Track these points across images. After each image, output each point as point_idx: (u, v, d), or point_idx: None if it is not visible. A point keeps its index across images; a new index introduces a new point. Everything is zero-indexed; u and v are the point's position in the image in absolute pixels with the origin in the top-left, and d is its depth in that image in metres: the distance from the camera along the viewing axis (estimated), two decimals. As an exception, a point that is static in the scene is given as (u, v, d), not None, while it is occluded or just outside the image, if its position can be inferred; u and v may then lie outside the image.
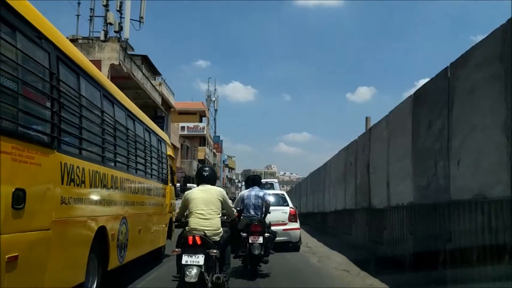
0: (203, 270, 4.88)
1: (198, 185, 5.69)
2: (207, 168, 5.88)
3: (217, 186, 5.87)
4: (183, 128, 49.60)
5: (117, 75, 20.21)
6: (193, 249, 4.94)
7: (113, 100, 6.30)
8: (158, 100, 28.33)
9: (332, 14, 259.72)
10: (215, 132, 68.98)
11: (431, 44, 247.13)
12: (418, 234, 7.17)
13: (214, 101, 71.42)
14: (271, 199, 11.15)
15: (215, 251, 5.05)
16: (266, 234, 7.61)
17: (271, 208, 9.15)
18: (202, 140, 55.00)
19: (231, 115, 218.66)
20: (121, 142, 6.61)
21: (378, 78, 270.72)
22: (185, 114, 52.80)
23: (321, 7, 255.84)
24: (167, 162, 10.35)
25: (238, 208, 7.52)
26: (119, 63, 20.12)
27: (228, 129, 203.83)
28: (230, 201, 5.79)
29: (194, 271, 4.83)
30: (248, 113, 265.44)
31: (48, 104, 4.06)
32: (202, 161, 50.15)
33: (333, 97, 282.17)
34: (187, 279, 4.81)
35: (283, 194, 13.19)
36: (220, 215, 5.43)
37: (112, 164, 6.10)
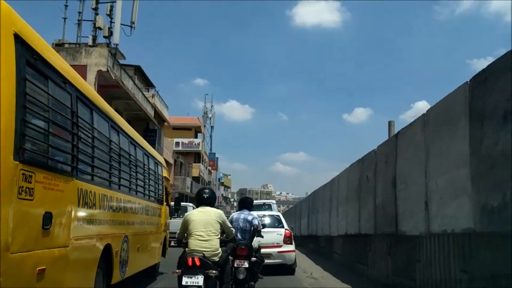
0: None
1: (197, 207, 5.98)
2: (207, 190, 6.06)
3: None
4: (177, 143, 48.44)
5: (105, 83, 19.06)
6: (192, 270, 5.17)
7: (118, 129, 6.98)
8: (151, 112, 27.27)
9: (330, 35, 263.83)
10: (210, 149, 67.85)
11: (428, 67, 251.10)
12: (476, 272, 5.29)
13: (210, 118, 70.07)
14: (266, 220, 11.74)
15: (214, 271, 5.27)
16: (253, 259, 7.47)
17: (265, 229, 9.30)
18: (197, 157, 53.84)
19: (228, 133, 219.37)
20: (124, 166, 7.26)
21: (374, 100, 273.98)
22: (180, 129, 51.67)
23: (318, 28, 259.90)
24: (162, 183, 10.98)
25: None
26: (107, 69, 18.76)
27: (224, 147, 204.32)
28: (228, 223, 6.13)
29: None
30: (245, 132, 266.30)
31: (70, 138, 4.74)
32: (196, 179, 49.20)
33: (330, 118, 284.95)
34: None
35: (278, 215, 12.88)
36: (219, 236, 5.65)
37: (117, 187, 6.74)
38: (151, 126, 28.34)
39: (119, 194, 6.74)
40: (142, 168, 8.63)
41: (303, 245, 20.95)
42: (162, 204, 10.83)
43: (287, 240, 11.37)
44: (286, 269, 11.38)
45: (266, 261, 9.61)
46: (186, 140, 51.44)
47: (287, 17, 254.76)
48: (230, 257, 6.94)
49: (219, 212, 5.88)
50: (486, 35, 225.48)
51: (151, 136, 26.57)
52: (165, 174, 11.57)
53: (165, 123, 34.75)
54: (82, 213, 5.00)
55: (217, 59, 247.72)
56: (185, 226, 5.72)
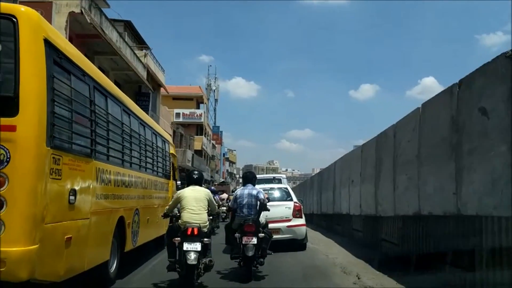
0: (200, 254, 6.04)
1: (188, 185, 6.80)
2: (196, 172, 7.04)
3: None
4: (177, 114, 44.83)
5: (82, 31, 16.13)
6: (191, 238, 6.00)
7: (129, 112, 7.64)
8: (143, 73, 23.66)
9: (336, 12, 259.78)
10: (215, 123, 63.49)
11: (436, 42, 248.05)
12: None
13: (214, 91, 65.49)
14: (274, 193, 11.30)
15: (207, 239, 6.25)
16: (261, 235, 7.18)
17: (273, 203, 9.24)
18: (199, 129, 49.70)
19: (233, 110, 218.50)
20: (135, 146, 7.95)
21: (381, 76, 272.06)
22: (180, 99, 48.25)
23: (325, 4, 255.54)
24: (170, 159, 11.70)
25: (232, 207, 7.70)
26: (81, 11, 15.06)
27: (230, 124, 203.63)
28: (213, 200, 6.97)
29: (193, 255, 5.89)
30: (250, 109, 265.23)
31: (89, 124, 5.41)
32: (198, 152, 45.85)
33: (336, 94, 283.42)
34: (189, 262, 5.87)
35: (286, 188, 12.25)
36: (207, 211, 6.53)
37: (129, 165, 7.44)
38: (144, 90, 25.24)
39: (131, 171, 7.45)
40: (150, 146, 9.32)
41: (323, 226, 19.11)
42: (170, 179, 11.56)
43: (296, 213, 10.84)
44: (297, 244, 10.84)
45: (275, 236, 9.18)
46: (187, 111, 47.27)
47: None
48: (237, 234, 7.12)
49: (207, 190, 6.91)
50: (494, 10, 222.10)
51: (144, 100, 24.07)
52: (172, 151, 12.27)
53: (162, 89, 31.06)
54: (99, 189, 5.70)
55: (223, 36, 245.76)
56: (177, 202, 6.60)
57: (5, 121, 3.91)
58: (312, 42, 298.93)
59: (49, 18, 12.88)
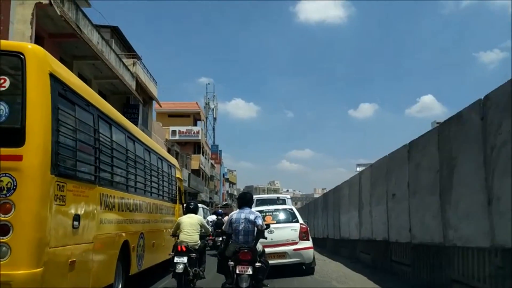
0: (186, 265, 7.76)
1: (186, 213, 8.69)
2: (192, 203, 8.94)
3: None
4: (174, 132, 42.97)
5: (56, 30, 14.06)
6: (181, 253, 7.81)
7: (134, 139, 7.91)
8: (131, 83, 21.37)
9: (334, 30, 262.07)
10: (214, 142, 61.04)
11: (434, 60, 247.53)
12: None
13: (213, 109, 62.84)
14: (278, 215, 10.68)
15: (193, 254, 7.96)
16: (257, 264, 6.53)
17: (278, 225, 9.17)
18: (196, 147, 47.03)
19: (233, 132, 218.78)
20: (140, 171, 8.20)
21: (380, 95, 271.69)
22: (176, 116, 45.92)
23: (323, 24, 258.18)
24: (176, 184, 11.93)
25: (227, 232, 7.10)
26: (50, 2, 12.59)
27: (229, 146, 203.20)
28: (205, 224, 8.70)
29: (181, 266, 7.69)
30: (250, 130, 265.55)
31: (93, 152, 5.67)
32: (196, 172, 43.22)
33: (336, 114, 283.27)
34: (176, 271, 7.70)
35: (291, 209, 11.49)
36: (199, 233, 8.26)
37: (133, 190, 7.67)
38: (133, 101, 23.00)
39: (135, 196, 7.68)
40: (156, 171, 9.57)
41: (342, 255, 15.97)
42: (176, 203, 11.77)
43: (303, 236, 10.18)
44: (304, 269, 10.29)
45: (282, 260, 9.19)
46: (183, 128, 44.78)
47: (291, 14, 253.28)
48: (231, 263, 6.56)
49: (200, 217, 8.70)
50: (491, 28, 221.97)
51: (132, 113, 21.84)
52: (178, 175, 12.51)
53: (156, 105, 29.07)
54: (103, 214, 5.93)
55: (222, 58, 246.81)
56: (178, 226, 8.32)
57: (12, 151, 4.17)
58: (311, 62, 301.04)
59: (7, 10, 11.55)
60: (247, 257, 6.48)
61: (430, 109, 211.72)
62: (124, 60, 21.76)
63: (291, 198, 19.82)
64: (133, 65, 22.85)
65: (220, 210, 23.55)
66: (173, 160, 12.44)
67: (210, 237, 13.06)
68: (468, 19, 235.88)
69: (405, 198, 8.73)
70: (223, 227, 7.45)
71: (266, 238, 7.26)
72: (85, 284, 5.31)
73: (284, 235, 9.80)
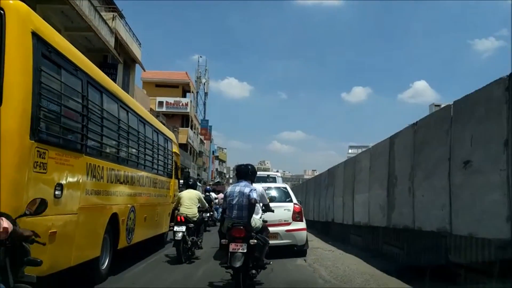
0: (185, 234, 8.69)
1: (186, 189, 9.83)
2: (191, 179, 10.39)
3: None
4: (161, 103, 40.34)
5: None
6: (180, 223, 8.82)
7: (127, 109, 7.62)
8: (109, 40, 19.14)
9: (330, 13, 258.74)
10: (204, 117, 57.30)
11: (428, 46, 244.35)
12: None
13: (204, 84, 58.77)
14: (271, 193, 10.06)
15: (191, 225, 8.98)
16: (252, 241, 6.04)
17: (270, 204, 7.87)
18: (185, 120, 43.61)
19: (225, 111, 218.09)
20: (133, 143, 7.93)
21: (373, 79, 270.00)
22: (164, 86, 42.92)
23: (320, 6, 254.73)
24: (172, 158, 11.68)
25: (223, 208, 6.74)
26: None
27: (221, 124, 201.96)
28: (203, 199, 9.77)
29: (179, 234, 8.62)
30: (243, 109, 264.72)
31: (80, 120, 5.39)
32: (184, 146, 39.30)
33: (329, 96, 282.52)
34: (176, 238, 8.62)
35: (285, 188, 10.93)
36: (197, 206, 9.35)
37: (125, 162, 7.42)
38: (111, 61, 20.59)
39: (127, 168, 7.42)
40: (150, 144, 9.31)
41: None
42: (171, 177, 11.55)
43: (296, 216, 9.75)
44: (296, 251, 9.82)
45: (273, 241, 8.57)
46: (171, 100, 41.60)
47: None
48: (224, 240, 6.21)
49: (198, 192, 9.80)
50: (487, 16, 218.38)
51: (110, 74, 18.98)
52: (175, 149, 12.25)
53: (137, 66, 25.78)
54: (90, 184, 5.68)
55: (216, 36, 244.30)
56: (178, 200, 9.50)
57: (-13, 112, 3.91)
58: (306, 44, 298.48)
59: None
60: (240, 234, 6.05)
61: (422, 95, 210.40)
62: (103, 13, 19.21)
63: (282, 178, 18.91)
64: (113, 20, 20.23)
65: (208, 187, 23.56)
66: (170, 133, 12.17)
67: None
68: (464, 6, 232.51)
69: (493, 166, 5.31)
70: (222, 203, 7.08)
71: (273, 211, 7.35)
72: (67, 257, 5.10)
73: (277, 215, 8.97)
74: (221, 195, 22.46)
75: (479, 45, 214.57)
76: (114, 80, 18.57)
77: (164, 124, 34.40)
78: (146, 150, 8.92)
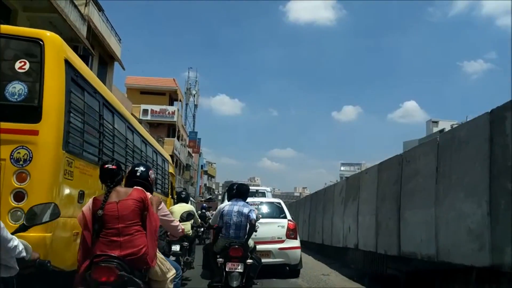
0: (180, 254, 7.77)
1: (177, 203, 8.88)
2: (184, 192, 9.13)
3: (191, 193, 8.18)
4: (145, 111, 38.03)
5: None
6: (175, 241, 7.63)
7: (133, 130, 8.38)
8: (79, 27, 16.72)
9: (323, 32, 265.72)
10: (193, 129, 55.59)
11: (418, 67, 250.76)
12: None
13: (194, 95, 57.23)
14: (264, 209, 9.74)
15: (186, 243, 7.96)
16: (249, 261, 6.12)
17: (263, 220, 7.99)
18: (171, 131, 41.60)
19: (216, 128, 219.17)
20: (137, 160, 8.63)
21: (364, 98, 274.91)
22: (150, 94, 40.55)
23: (312, 25, 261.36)
24: (168, 178, 12.38)
25: (217, 225, 6.61)
26: None
27: (212, 142, 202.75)
28: (196, 215, 8.75)
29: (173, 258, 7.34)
30: (233, 126, 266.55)
31: (97, 135, 6.13)
32: (170, 157, 36.17)
33: (319, 115, 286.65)
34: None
35: (279, 203, 10.33)
36: (191, 222, 7.60)
37: (130, 177, 8.12)
38: (82, 53, 17.87)
39: (132, 183, 8.12)
40: (151, 163, 10.02)
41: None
42: (168, 196, 12.21)
43: (290, 234, 9.28)
44: (289, 270, 9.49)
45: (265, 260, 8.11)
46: (157, 107, 39.31)
47: (280, 13, 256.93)
48: (220, 259, 6.14)
49: (191, 207, 8.99)
50: (477, 38, 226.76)
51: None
52: (171, 170, 12.96)
53: (115, 62, 23.04)
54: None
55: (208, 53, 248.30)
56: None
57: (30, 126, 4.64)
58: (297, 62, 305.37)
59: None
60: (238, 254, 6.05)
61: (412, 115, 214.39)
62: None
63: (271, 193, 17.67)
64: (85, 6, 17.85)
65: (204, 204, 24.05)
66: (166, 155, 12.90)
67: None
68: (454, 29, 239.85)
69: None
70: (210, 221, 7.07)
71: (256, 231, 6.59)
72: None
73: (270, 231, 8.86)
74: (211, 212, 22.72)
75: (468, 67, 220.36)
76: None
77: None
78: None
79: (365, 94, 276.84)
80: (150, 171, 4.33)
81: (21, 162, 4.56)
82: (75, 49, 15.92)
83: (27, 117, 4.67)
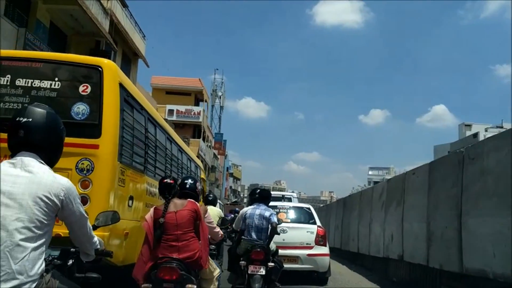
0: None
1: (205, 205, 8.68)
2: (211, 195, 9.25)
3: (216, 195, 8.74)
4: (171, 111, 37.87)
5: None
6: None
7: (171, 140, 9.19)
8: (101, 21, 16.25)
9: (350, 35, 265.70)
10: (219, 131, 55.23)
11: (448, 70, 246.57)
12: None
13: (220, 97, 56.88)
14: (292, 214, 9.66)
15: (213, 246, 7.57)
16: (270, 264, 6.25)
17: (291, 225, 8.49)
18: (196, 131, 41.14)
19: (242, 130, 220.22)
20: (174, 168, 9.44)
21: (392, 102, 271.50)
22: (175, 94, 40.31)
23: (339, 28, 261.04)
24: (201, 183, 13.15)
25: (240, 229, 6.80)
26: None
27: (237, 145, 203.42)
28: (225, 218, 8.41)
29: None
30: (259, 129, 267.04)
31: (143, 147, 6.93)
32: (201, 163, 34.66)
33: (346, 118, 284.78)
34: None
35: (308, 208, 10.16)
36: (219, 224, 7.47)
37: (168, 183, 8.92)
38: (104, 47, 18.02)
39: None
40: (186, 169, 10.83)
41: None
42: (200, 201, 12.97)
43: (320, 240, 9.05)
44: (317, 277, 9.29)
45: (293, 265, 8.50)
46: (182, 108, 39.00)
47: (307, 16, 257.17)
48: (243, 262, 6.31)
49: (219, 210, 9.01)
50: (509, 41, 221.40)
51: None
52: (202, 175, 13.77)
53: (139, 58, 22.99)
54: (148, 199, 7.17)
55: (235, 56, 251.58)
56: None
57: (91, 141, 5.45)
58: (324, 65, 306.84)
59: None
60: (259, 257, 6.21)
61: (441, 119, 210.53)
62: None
63: (298, 199, 17.66)
64: (107, 1, 17.25)
65: (237, 208, 24.51)
66: (199, 162, 13.73)
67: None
68: (486, 31, 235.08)
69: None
70: (234, 224, 7.20)
71: (278, 234, 6.78)
72: (134, 253, 6.52)
73: (298, 237, 8.83)
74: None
75: (501, 70, 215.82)
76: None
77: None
78: (183, 174, 10.42)
79: (393, 98, 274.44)
80: (197, 183, 5.10)
81: (84, 172, 5.36)
82: (97, 44, 17.59)
83: (89, 133, 5.48)
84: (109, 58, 16.03)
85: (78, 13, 14.69)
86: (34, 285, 2.00)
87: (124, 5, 19.78)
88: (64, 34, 15.73)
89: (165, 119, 33.32)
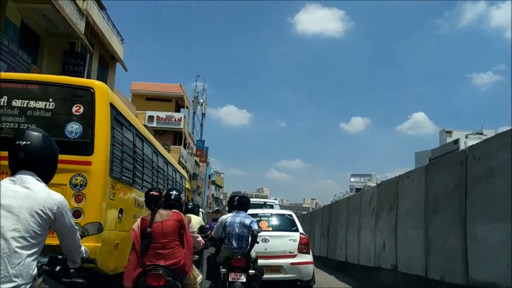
0: None
1: (184, 214, 8.85)
2: (191, 203, 8.92)
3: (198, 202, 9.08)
4: (151, 118, 37.34)
5: None
6: None
7: (157, 153, 9.59)
8: (76, 22, 15.47)
9: (331, 43, 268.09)
10: (200, 138, 54.88)
11: (427, 79, 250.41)
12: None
13: (202, 104, 56.76)
14: (274, 221, 9.42)
15: (196, 256, 7.64)
16: (251, 271, 6.30)
17: (273, 233, 8.44)
18: (177, 138, 40.68)
19: (224, 138, 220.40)
20: (160, 179, 9.83)
21: (372, 110, 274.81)
22: (156, 100, 39.77)
23: (320, 36, 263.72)
24: (185, 194, 13.55)
25: (220, 237, 6.80)
26: None
27: (219, 152, 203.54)
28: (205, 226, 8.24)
29: None
30: (241, 137, 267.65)
31: (131, 161, 7.32)
32: (186, 174, 34.41)
33: (328, 126, 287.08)
34: None
35: (290, 215, 9.77)
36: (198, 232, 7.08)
37: (155, 195, 9.31)
38: (79, 49, 17.37)
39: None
40: (171, 180, 11.22)
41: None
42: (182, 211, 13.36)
43: (303, 248, 8.76)
44: (301, 286, 9.05)
45: (276, 275, 8.32)
46: (162, 114, 38.44)
47: (288, 25, 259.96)
48: (223, 269, 6.36)
49: (199, 218, 8.75)
50: (486, 50, 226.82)
51: (76, 65, 16.52)
52: (187, 185, 14.16)
53: (117, 63, 22.14)
54: (136, 211, 7.55)
55: (216, 64, 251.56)
56: None
57: (84, 158, 5.83)
58: (306, 74, 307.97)
59: None
60: (240, 264, 6.26)
61: (421, 126, 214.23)
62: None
63: (279, 205, 17.81)
64: (83, 1, 16.66)
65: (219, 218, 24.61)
66: (184, 172, 14.12)
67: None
68: (463, 41, 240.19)
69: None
70: (213, 233, 7.16)
71: (258, 243, 6.75)
72: (123, 262, 6.89)
73: (281, 245, 8.57)
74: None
75: (478, 79, 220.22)
76: (82, 71, 16.62)
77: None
78: (169, 185, 10.80)
79: (373, 106, 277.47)
80: (182, 195, 5.52)
81: (78, 187, 5.73)
82: (72, 46, 17.05)
83: (83, 150, 5.85)
84: (85, 61, 17.16)
85: (51, 13, 14.07)
86: (28, 287, 2.33)
87: (102, 7, 19.28)
88: (36, 35, 15.21)
89: (145, 126, 31.70)
